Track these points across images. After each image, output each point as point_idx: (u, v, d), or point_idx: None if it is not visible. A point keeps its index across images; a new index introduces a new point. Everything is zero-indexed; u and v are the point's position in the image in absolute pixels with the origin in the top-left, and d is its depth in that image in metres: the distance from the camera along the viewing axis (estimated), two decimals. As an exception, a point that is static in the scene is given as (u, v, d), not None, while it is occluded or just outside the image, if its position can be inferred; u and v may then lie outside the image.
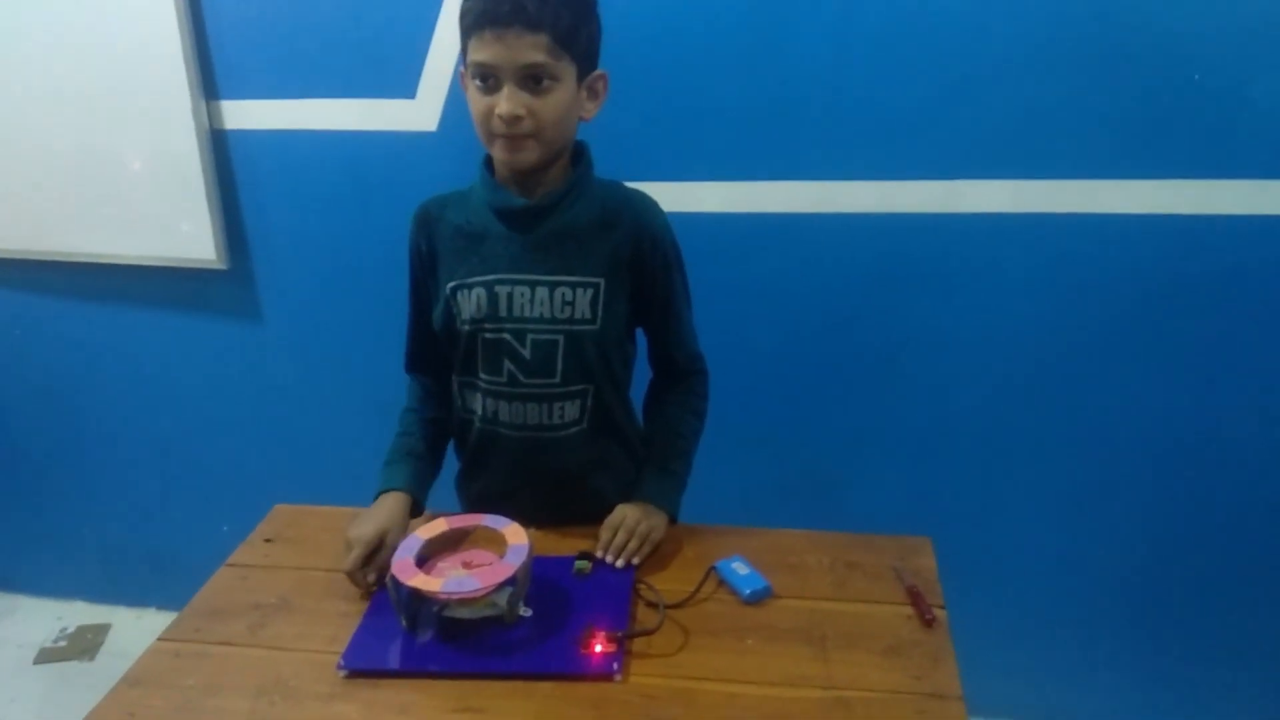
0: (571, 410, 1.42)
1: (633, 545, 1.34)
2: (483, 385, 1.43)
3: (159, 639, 1.25)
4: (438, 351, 1.48)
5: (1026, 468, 2.08)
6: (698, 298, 1.51)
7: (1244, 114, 1.74)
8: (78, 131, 2.18)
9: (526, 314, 1.37)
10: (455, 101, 2.00)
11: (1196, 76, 1.74)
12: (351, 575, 1.31)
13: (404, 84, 2.02)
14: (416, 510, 1.43)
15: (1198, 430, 1.98)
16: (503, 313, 1.37)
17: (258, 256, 2.27)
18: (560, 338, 1.38)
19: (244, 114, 2.14)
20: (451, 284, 1.39)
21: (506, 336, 1.38)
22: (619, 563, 1.33)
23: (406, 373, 1.56)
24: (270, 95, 2.11)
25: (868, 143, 1.89)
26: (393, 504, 1.38)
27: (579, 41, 1.27)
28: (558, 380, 1.39)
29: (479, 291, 1.37)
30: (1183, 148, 1.79)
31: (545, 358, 1.38)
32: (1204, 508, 2.03)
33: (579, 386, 1.41)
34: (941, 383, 2.04)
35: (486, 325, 1.38)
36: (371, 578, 1.31)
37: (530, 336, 1.38)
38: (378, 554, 1.32)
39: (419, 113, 2.04)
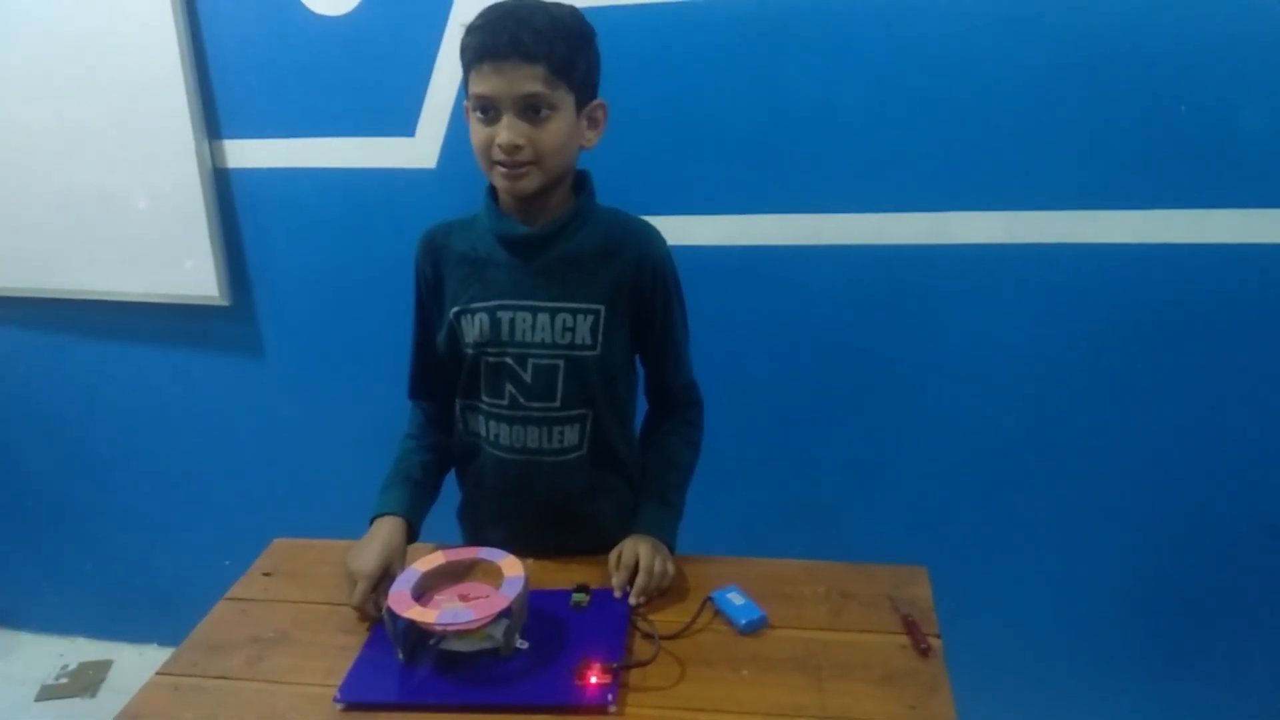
0: (571, 435, 1.43)
1: (652, 587, 1.34)
2: (484, 408, 1.44)
3: (157, 673, 1.26)
4: (441, 378, 1.49)
5: (1022, 496, 2.08)
6: (694, 329, 1.52)
7: (1230, 145, 1.77)
8: (82, 170, 2.22)
9: (528, 339, 1.39)
10: (454, 139, 2.03)
11: (1183, 108, 1.77)
12: (360, 609, 1.32)
13: (403, 122, 2.06)
14: (413, 536, 1.44)
15: (1192, 456, 1.98)
16: (505, 337, 1.39)
17: (260, 293, 2.30)
18: (561, 362, 1.39)
19: (246, 153, 2.17)
20: (455, 309, 1.41)
21: (508, 360, 1.40)
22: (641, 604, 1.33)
23: (409, 399, 1.57)
24: (272, 134, 2.14)
25: (860, 176, 1.92)
26: (390, 531, 1.39)
27: (576, 71, 1.29)
28: (558, 404, 1.41)
29: (482, 316, 1.39)
30: (1171, 178, 1.81)
31: (546, 382, 1.40)
32: (1200, 533, 2.03)
33: (579, 411, 1.42)
34: (936, 412, 2.05)
35: (489, 349, 1.40)
36: (380, 609, 1.31)
37: (531, 361, 1.39)
38: (381, 583, 1.32)
39: (418, 150, 2.07)
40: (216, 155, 2.18)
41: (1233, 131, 1.76)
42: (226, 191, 2.21)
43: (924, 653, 1.22)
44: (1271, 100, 1.74)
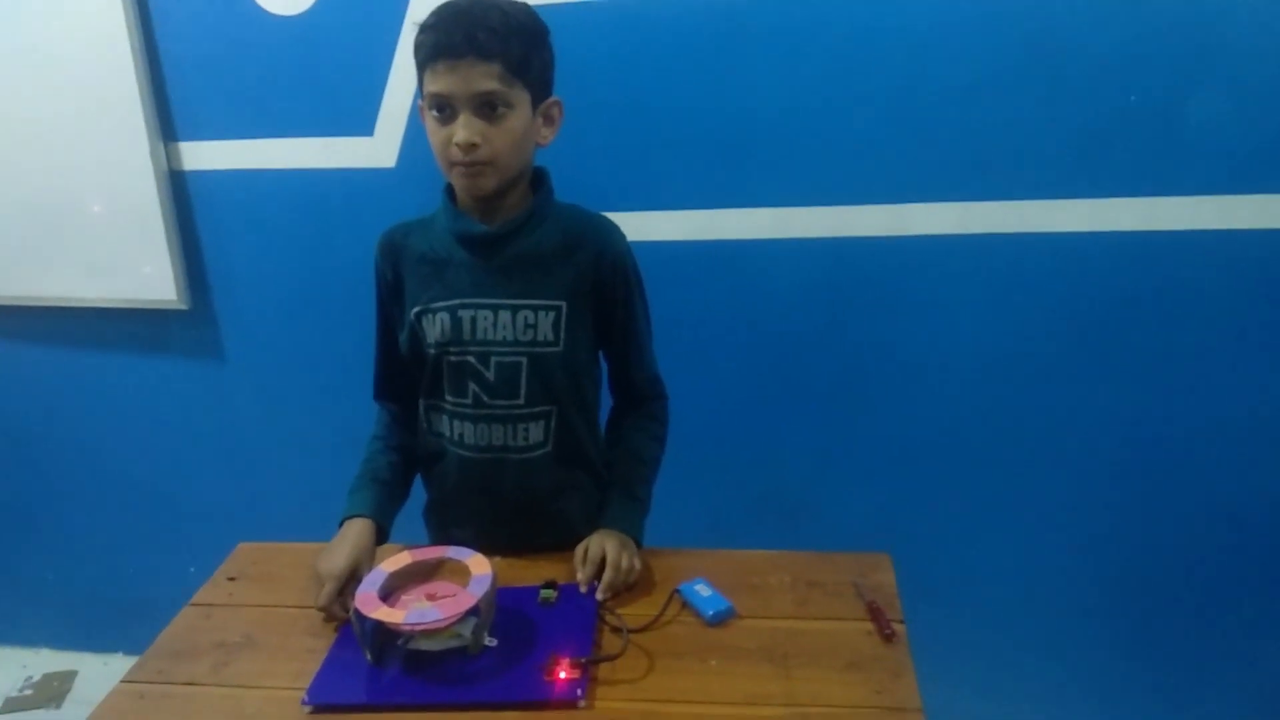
0: (536, 432, 1.44)
1: (619, 582, 1.35)
2: (448, 407, 1.45)
3: (122, 681, 1.25)
4: (405, 378, 1.49)
5: (982, 482, 2.11)
6: (659, 325, 1.53)
7: (1179, 133, 1.80)
8: (36, 175, 2.19)
9: (490, 337, 1.39)
10: (413, 138, 2.02)
11: (1133, 98, 1.80)
12: (327, 610, 1.32)
13: (362, 121, 2.05)
14: (382, 537, 1.44)
15: (1151, 440, 2.02)
16: (466, 336, 1.39)
17: (219, 296, 2.28)
18: (524, 360, 1.40)
19: (202, 155, 2.15)
20: (416, 309, 1.41)
21: (470, 359, 1.40)
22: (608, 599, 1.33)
23: (375, 400, 1.57)
24: (228, 136, 2.12)
25: (819, 169, 1.93)
26: (359, 532, 1.39)
27: (532, 69, 1.30)
28: (521, 401, 1.41)
29: (443, 316, 1.39)
30: (1122, 167, 1.84)
31: (509, 379, 1.40)
32: (1157, 518, 2.07)
33: (543, 408, 1.43)
34: (899, 401, 2.08)
35: (451, 349, 1.40)
36: (347, 610, 1.30)
37: (494, 359, 1.40)
38: (349, 585, 1.32)
39: (377, 150, 2.06)
40: (172, 158, 2.16)
41: (1180, 120, 1.80)
42: (183, 194, 2.19)
43: (888, 638, 1.24)
44: (1217, 89, 1.78)
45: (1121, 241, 1.88)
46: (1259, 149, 1.80)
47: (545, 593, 1.33)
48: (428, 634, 1.20)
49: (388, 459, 1.51)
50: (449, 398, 1.44)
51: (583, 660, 1.19)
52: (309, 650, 1.27)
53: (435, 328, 1.40)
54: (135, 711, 1.20)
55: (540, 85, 1.33)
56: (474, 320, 1.39)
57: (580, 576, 1.35)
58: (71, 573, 2.66)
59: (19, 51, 2.09)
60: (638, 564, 1.38)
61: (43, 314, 2.35)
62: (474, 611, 1.20)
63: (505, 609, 1.28)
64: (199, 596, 1.43)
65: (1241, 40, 1.75)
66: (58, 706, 2.55)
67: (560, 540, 1.44)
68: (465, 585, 1.23)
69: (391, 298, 1.46)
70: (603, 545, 1.37)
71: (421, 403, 1.49)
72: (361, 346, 1.54)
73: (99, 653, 2.72)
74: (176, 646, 1.31)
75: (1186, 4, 1.74)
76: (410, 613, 1.20)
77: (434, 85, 1.27)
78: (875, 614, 1.28)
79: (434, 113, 1.30)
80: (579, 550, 1.39)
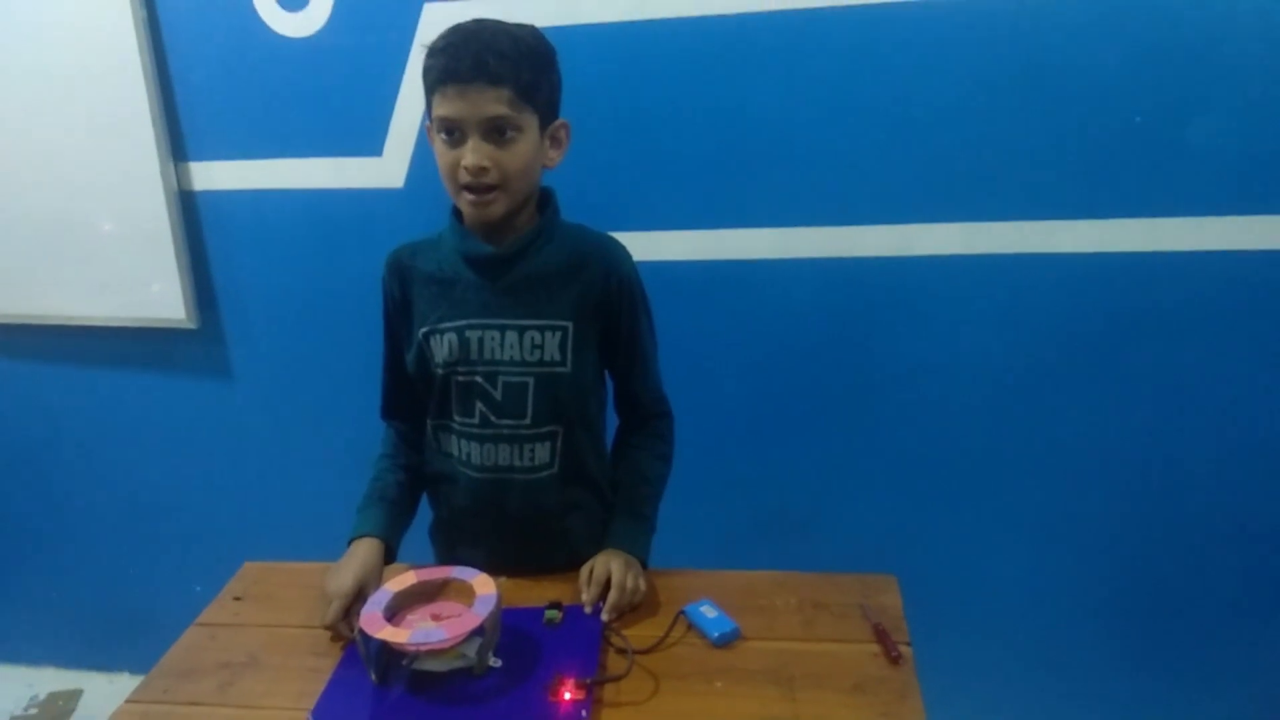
0: (542, 452, 1.44)
1: (624, 603, 1.35)
2: (456, 427, 1.45)
3: (127, 701, 1.25)
4: (413, 398, 1.50)
5: (989, 503, 2.10)
6: (664, 344, 1.53)
7: (1182, 155, 1.80)
8: (47, 195, 2.20)
9: (497, 357, 1.39)
10: (421, 158, 2.03)
11: (1138, 119, 1.81)
12: (334, 628, 1.32)
13: (370, 142, 2.06)
14: (390, 556, 1.44)
15: (1157, 460, 2.01)
16: (474, 356, 1.40)
17: (228, 315, 2.28)
18: (530, 380, 1.40)
19: (212, 175, 2.16)
20: (424, 329, 1.41)
21: (478, 379, 1.40)
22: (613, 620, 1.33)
23: (382, 419, 1.57)
24: (238, 156, 2.14)
25: (824, 190, 1.94)
26: (367, 551, 1.39)
27: (540, 93, 1.30)
28: (528, 421, 1.41)
29: (450, 336, 1.40)
30: (1127, 188, 1.84)
31: (516, 399, 1.40)
32: (1164, 536, 2.06)
33: (549, 428, 1.43)
34: (904, 421, 2.08)
35: (459, 368, 1.41)
36: (354, 629, 1.30)
37: (501, 379, 1.40)
38: (355, 604, 1.32)
39: (385, 170, 2.07)
40: (182, 177, 2.17)
41: (1186, 141, 1.80)
42: (193, 214, 2.20)
43: (895, 660, 1.24)
44: (1223, 110, 1.78)
45: (1126, 262, 1.88)
46: (1264, 169, 1.80)
47: (550, 613, 1.33)
48: (433, 654, 1.20)
49: (395, 478, 1.51)
50: (456, 418, 1.44)
51: (587, 681, 1.19)
52: (313, 670, 1.27)
53: (443, 348, 1.40)
54: (140, 731, 1.20)
55: (548, 108, 1.34)
56: (481, 340, 1.39)
57: (585, 597, 1.35)
58: (77, 591, 2.66)
59: (31, 71, 2.11)
60: (643, 585, 1.38)
61: (52, 332, 2.36)
62: (479, 632, 1.19)
63: (510, 629, 1.28)
64: (204, 616, 1.43)
65: (1247, 60, 1.75)
66: (63, 725, 2.55)
67: (566, 560, 1.44)
68: (470, 605, 1.23)
69: (399, 317, 1.47)
70: (608, 566, 1.37)
71: (429, 423, 1.50)
72: (369, 365, 1.54)
73: (104, 671, 2.72)
74: (182, 666, 1.31)
75: (1192, 24, 1.74)
76: (415, 632, 1.20)
77: (443, 109, 1.28)
78: (881, 636, 1.28)
79: (442, 136, 1.30)
80: (584, 571, 1.39)
